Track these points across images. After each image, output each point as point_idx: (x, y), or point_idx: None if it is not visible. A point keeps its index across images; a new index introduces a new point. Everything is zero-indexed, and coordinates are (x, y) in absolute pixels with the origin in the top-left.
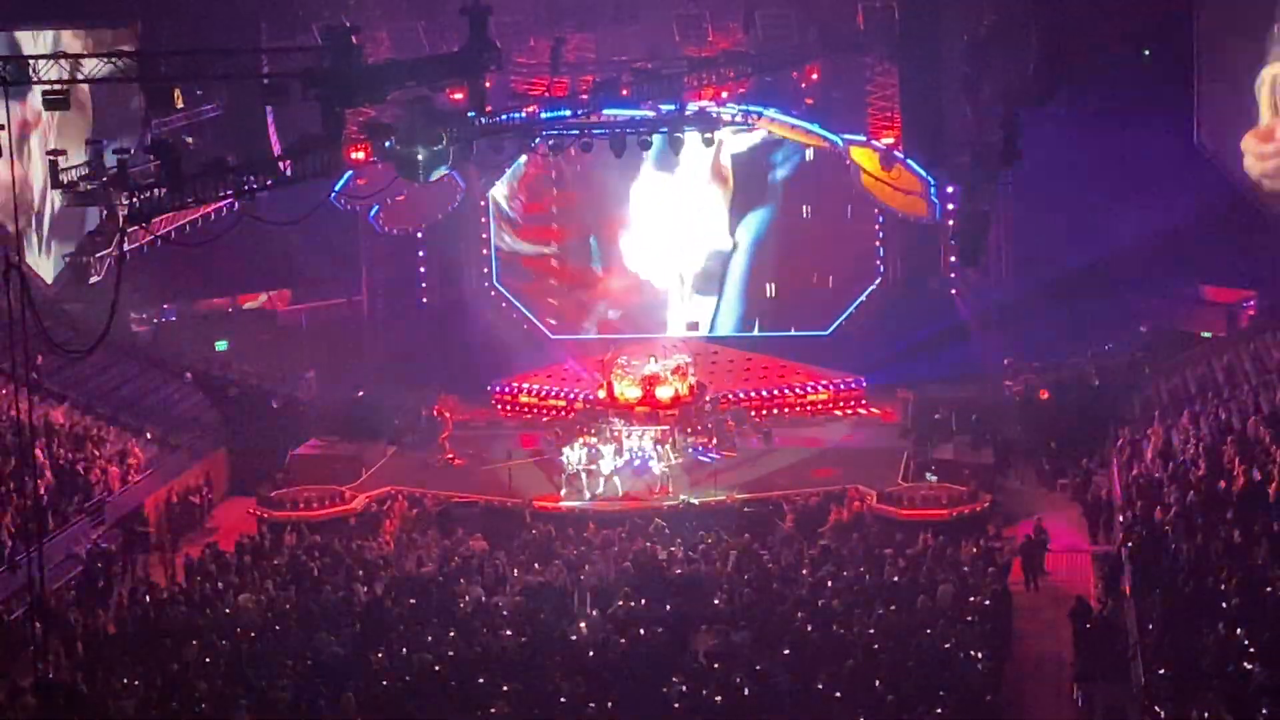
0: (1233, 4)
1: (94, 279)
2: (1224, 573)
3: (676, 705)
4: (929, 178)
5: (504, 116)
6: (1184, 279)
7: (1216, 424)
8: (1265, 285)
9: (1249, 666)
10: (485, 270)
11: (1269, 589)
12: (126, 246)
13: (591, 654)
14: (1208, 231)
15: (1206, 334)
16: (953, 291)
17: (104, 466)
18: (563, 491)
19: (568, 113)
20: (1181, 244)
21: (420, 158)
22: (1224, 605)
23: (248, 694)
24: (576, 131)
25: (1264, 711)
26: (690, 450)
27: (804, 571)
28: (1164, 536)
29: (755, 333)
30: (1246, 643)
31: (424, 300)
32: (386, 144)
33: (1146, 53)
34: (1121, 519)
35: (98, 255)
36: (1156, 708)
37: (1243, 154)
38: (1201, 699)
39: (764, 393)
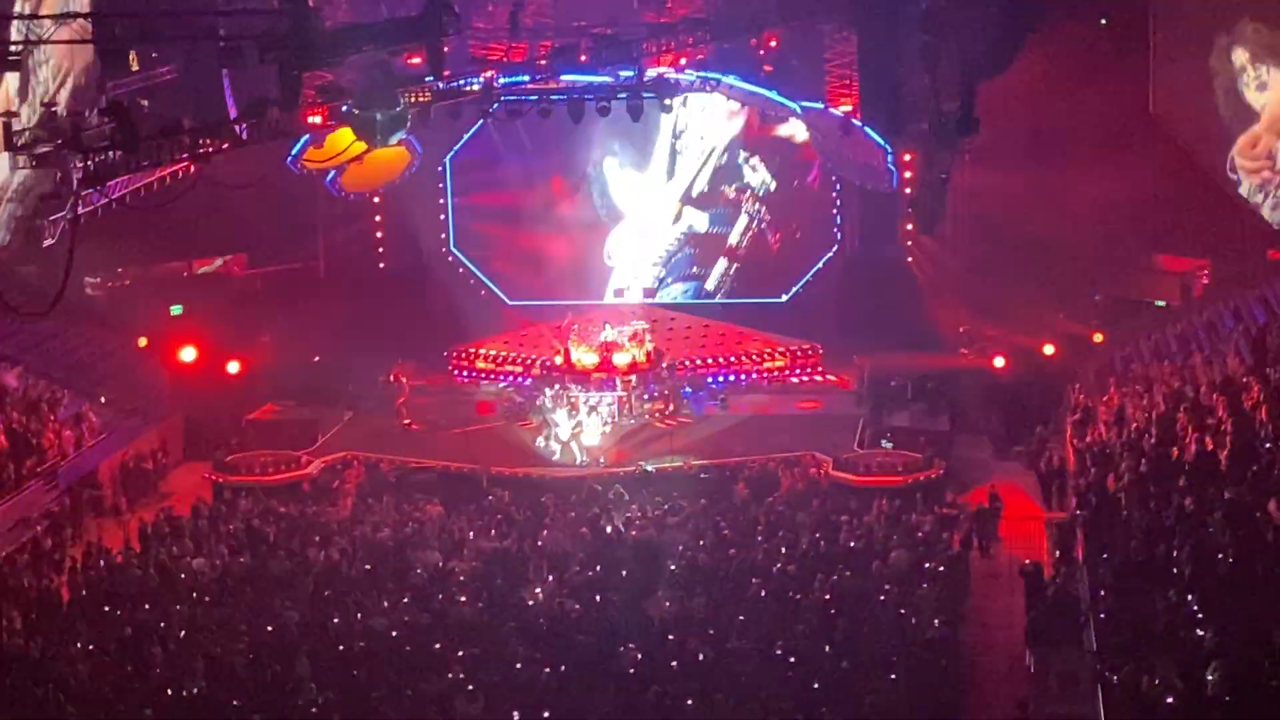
0: None
1: (48, 242)
2: (1176, 540)
3: (632, 671)
4: (886, 145)
5: (462, 81)
6: (1138, 247)
7: (1169, 392)
8: (1218, 254)
9: (1200, 632)
10: (443, 235)
11: (1220, 556)
12: (81, 209)
13: (547, 620)
14: (1162, 200)
15: (1160, 302)
16: (909, 259)
17: (58, 430)
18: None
19: (526, 78)
20: (1136, 212)
21: (378, 122)
22: (1176, 572)
23: (202, 659)
24: (535, 97)
25: (1214, 676)
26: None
27: (759, 538)
28: (1117, 504)
29: (712, 300)
30: (1197, 609)
31: (381, 265)
32: (344, 108)
33: (1104, 21)
34: (1075, 486)
35: (51, 218)
36: (1109, 672)
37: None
38: (1153, 664)
39: (721, 359)
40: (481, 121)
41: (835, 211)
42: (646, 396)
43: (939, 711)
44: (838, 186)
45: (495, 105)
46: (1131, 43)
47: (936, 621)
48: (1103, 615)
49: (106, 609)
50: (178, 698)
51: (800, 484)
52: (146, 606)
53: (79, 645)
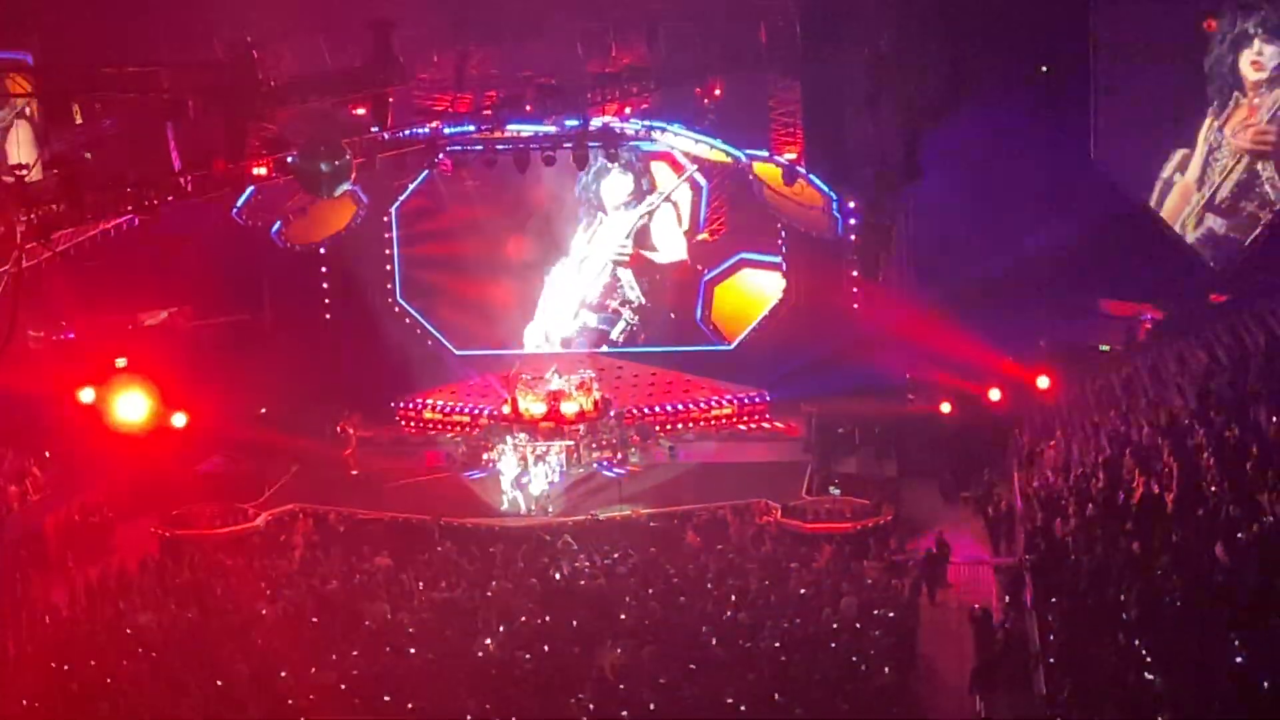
0: (1127, 23)
1: None
2: (1124, 583)
3: None
4: (831, 193)
5: (407, 132)
6: (1082, 292)
7: (1115, 436)
8: (1161, 299)
9: (1149, 676)
10: (389, 286)
11: (1168, 599)
12: (25, 263)
13: (497, 670)
14: (1105, 246)
15: (1105, 347)
16: (855, 306)
17: (2, 486)
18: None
19: (471, 128)
20: (1079, 258)
21: (323, 173)
22: (1124, 616)
23: (150, 716)
24: (480, 147)
25: None
26: (596, 465)
27: (709, 585)
28: (1064, 548)
29: (659, 348)
30: (1146, 653)
31: (327, 316)
32: (289, 159)
33: (1045, 69)
34: (1022, 531)
35: None
36: (1059, 717)
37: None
38: (1102, 708)
39: (668, 407)
40: (427, 171)
41: (781, 259)
42: (595, 445)
43: None
44: (783, 234)
45: (441, 155)
46: (1073, 89)
47: (886, 668)
48: (1052, 660)
49: (53, 666)
50: None
51: (750, 531)
52: (93, 663)
53: (25, 703)
